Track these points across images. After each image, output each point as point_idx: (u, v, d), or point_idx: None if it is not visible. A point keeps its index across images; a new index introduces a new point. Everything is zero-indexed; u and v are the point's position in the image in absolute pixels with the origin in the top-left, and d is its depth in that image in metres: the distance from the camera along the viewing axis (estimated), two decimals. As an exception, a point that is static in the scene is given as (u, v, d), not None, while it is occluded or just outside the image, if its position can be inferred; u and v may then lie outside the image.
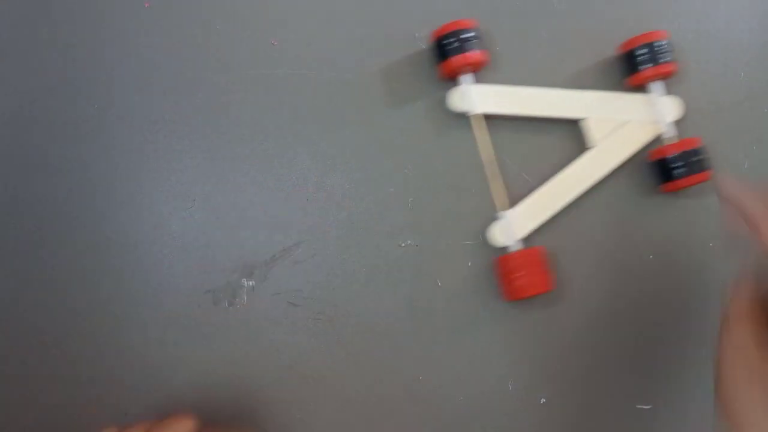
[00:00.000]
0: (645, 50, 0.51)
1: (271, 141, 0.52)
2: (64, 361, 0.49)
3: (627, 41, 0.52)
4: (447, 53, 0.49)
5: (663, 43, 0.51)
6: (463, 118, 0.52)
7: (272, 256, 0.50)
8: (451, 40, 0.49)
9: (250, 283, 0.50)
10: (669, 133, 0.51)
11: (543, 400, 0.50)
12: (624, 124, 0.51)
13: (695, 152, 0.50)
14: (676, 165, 0.50)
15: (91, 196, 0.51)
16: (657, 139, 0.52)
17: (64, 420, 0.48)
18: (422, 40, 0.53)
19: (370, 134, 0.52)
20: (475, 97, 0.50)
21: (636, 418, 0.51)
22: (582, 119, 0.51)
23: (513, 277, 0.48)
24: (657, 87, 0.52)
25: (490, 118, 0.52)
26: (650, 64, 0.51)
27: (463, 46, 0.49)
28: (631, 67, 0.52)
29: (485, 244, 0.51)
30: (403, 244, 0.51)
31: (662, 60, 0.51)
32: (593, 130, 0.51)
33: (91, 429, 0.48)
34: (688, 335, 0.52)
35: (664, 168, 0.51)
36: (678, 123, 0.53)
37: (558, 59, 0.54)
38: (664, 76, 0.52)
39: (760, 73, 0.56)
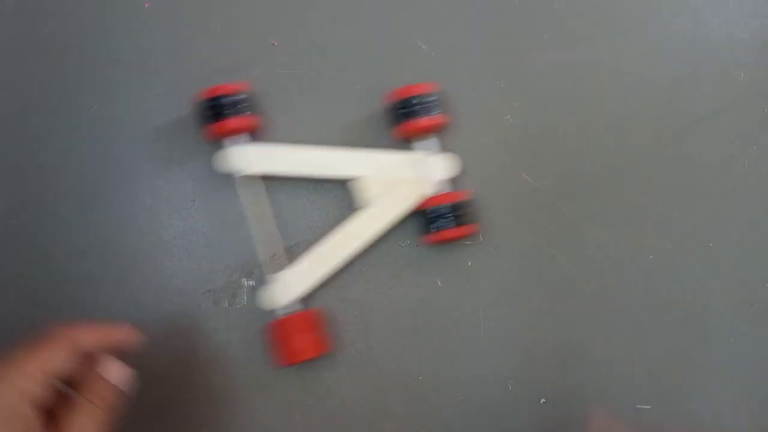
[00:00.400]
0: (412, 102, 0.49)
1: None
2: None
3: (392, 93, 0.50)
4: (214, 116, 0.47)
5: (431, 96, 0.49)
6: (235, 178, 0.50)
7: (272, 256, 0.50)
8: (220, 102, 0.47)
9: (250, 283, 0.50)
10: (440, 189, 0.50)
11: (543, 400, 0.50)
12: (397, 181, 0.50)
13: (461, 205, 0.48)
14: (438, 217, 0.48)
15: (90, 196, 0.51)
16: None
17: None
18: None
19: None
20: (242, 158, 0.48)
21: (636, 418, 0.51)
22: (355, 178, 0.50)
23: (287, 342, 0.47)
24: (428, 142, 0.50)
25: (268, 179, 0.50)
26: (416, 117, 0.49)
27: (230, 108, 0.47)
28: (398, 120, 0.50)
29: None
30: (402, 244, 0.51)
31: (430, 113, 0.49)
32: (366, 189, 0.49)
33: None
34: (688, 336, 0.52)
35: (427, 220, 0.49)
36: (456, 177, 0.51)
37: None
38: (433, 130, 0.50)
39: (760, 73, 0.56)
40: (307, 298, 0.49)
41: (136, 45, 0.52)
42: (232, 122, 0.47)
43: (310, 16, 0.54)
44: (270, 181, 0.50)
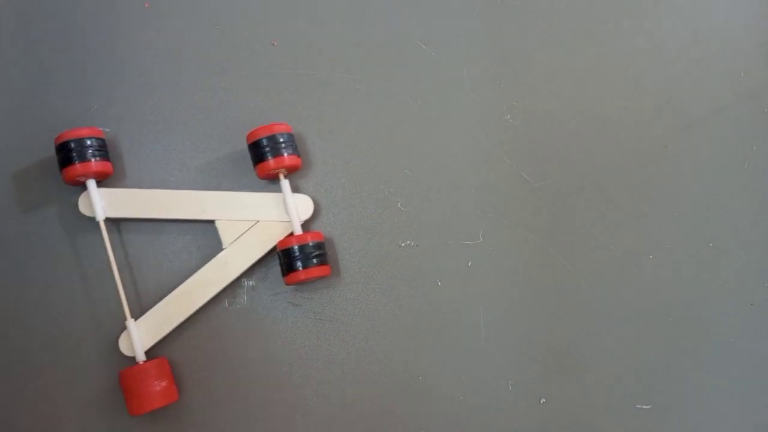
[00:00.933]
0: (266, 142, 0.48)
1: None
2: (64, 360, 0.49)
3: (250, 133, 0.49)
4: (67, 160, 0.46)
5: (284, 135, 0.48)
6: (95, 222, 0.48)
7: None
8: (71, 147, 0.46)
9: (250, 283, 0.50)
10: (297, 230, 0.49)
11: (543, 400, 0.50)
12: (256, 223, 0.49)
13: (315, 246, 0.48)
14: (295, 257, 0.47)
15: None
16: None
17: (63, 418, 0.48)
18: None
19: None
20: (98, 203, 0.47)
21: (636, 418, 0.51)
22: (214, 221, 0.49)
23: (135, 392, 0.45)
24: (285, 183, 0.49)
25: (127, 221, 0.49)
26: (271, 155, 0.48)
27: (83, 153, 0.46)
28: (256, 158, 0.49)
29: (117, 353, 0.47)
30: (403, 244, 0.51)
31: (284, 152, 0.48)
32: (224, 231, 0.49)
33: (91, 428, 0.48)
34: (688, 336, 0.52)
35: (285, 259, 0.48)
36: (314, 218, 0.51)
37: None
38: (289, 168, 0.49)
39: (760, 73, 0.56)
40: (159, 345, 0.48)
41: (137, 45, 0.52)
42: (79, 167, 0.46)
43: (313, 17, 0.54)
44: (131, 223, 0.49)
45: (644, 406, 0.51)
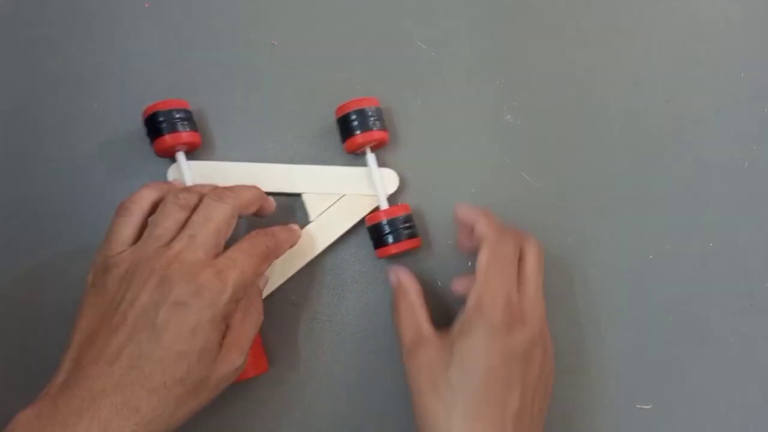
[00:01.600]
0: (355, 116, 0.48)
1: (271, 141, 0.52)
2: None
3: (339, 107, 0.49)
4: (158, 131, 0.47)
5: (372, 109, 0.48)
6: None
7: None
8: (161, 119, 0.46)
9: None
10: (384, 204, 0.49)
11: (543, 400, 0.50)
12: (342, 197, 0.50)
13: (404, 219, 0.48)
14: (385, 232, 0.48)
15: (90, 196, 0.51)
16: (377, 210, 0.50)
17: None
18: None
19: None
20: (188, 174, 0.48)
21: (636, 418, 0.51)
22: (301, 194, 0.50)
23: None
24: (371, 158, 0.50)
25: None
26: (359, 131, 0.48)
27: (173, 124, 0.47)
28: (344, 134, 0.49)
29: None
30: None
31: (372, 127, 0.48)
32: (311, 205, 0.49)
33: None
34: (688, 335, 0.52)
35: (375, 235, 0.49)
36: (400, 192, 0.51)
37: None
38: (376, 145, 0.50)
39: (760, 73, 0.56)
40: None
41: (136, 45, 0.52)
42: (168, 138, 0.47)
43: (313, 17, 0.54)
44: None
45: (644, 406, 0.51)
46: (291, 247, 0.46)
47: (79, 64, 0.52)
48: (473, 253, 0.45)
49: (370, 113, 0.49)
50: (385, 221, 0.48)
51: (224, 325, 0.39)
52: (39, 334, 0.49)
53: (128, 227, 0.42)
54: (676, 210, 0.54)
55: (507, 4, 0.56)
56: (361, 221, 0.50)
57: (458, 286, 0.47)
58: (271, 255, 0.43)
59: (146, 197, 0.43)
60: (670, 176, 0.54)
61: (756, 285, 0.53)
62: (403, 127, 0.53)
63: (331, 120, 0.51)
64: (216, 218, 0.41)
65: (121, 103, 0.51)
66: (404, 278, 0.48)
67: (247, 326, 0.41)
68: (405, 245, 0.48)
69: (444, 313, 0.51)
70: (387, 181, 0.51)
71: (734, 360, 0.52)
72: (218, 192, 0.43)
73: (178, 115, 0.47)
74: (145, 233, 0.41)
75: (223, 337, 0.39)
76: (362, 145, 0.49)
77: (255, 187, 0.45)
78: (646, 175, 0.54)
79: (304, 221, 0.50)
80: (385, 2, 0.55)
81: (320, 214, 0.49)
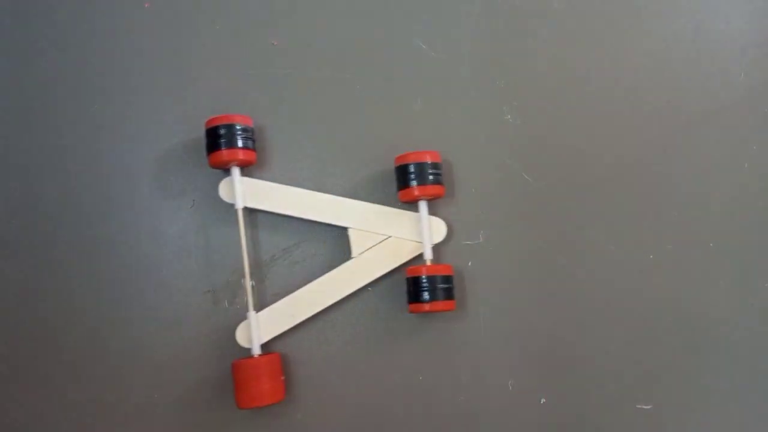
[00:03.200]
0: (413, 168, 0.49)
1: (271, 141, 0.52)
2: (64, 361, 0.49)
3: (399, 156, 0.50)
4: (215, 145, 0.47)
5: (431, 164, 0.49)
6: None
7: (272, 256, 0.50)
8: (221, 132, 0.47)
9: (251, 283, 0.50)
10: (428, 254, 0.50)
11: (543, 400, 0.50)
12: (387, 238, 0.50)
13: (444, 279, 0.48)
14: (423, 288, 0.48)
15: (91, 196, 0.51)
16: (419, 257, 0.50)
17: (63, 419, 0.48)
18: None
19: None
20: (239, 191, 0.48)
21: (636, 418, 0.51)
22: (347, 228, 0.50)
23: (246, 386, 0.46)
24: (423, 206, 0.50)
25: (267, 213, 0.50)
26: (416, 182, 0.49)
27: (232, 139, 0.47)
28: (400, 183, 0.50)
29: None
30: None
31: (428, 181, 0.49)
32: (355, 241, 0.49)
33: (92, 428, 0.48)
34: (688, 336, 0.52)
35: (413, 288, 0.48)
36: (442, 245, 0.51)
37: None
38: (430, 197, 0.50)
39: (760, 73, 0.56)
40: (274, 341, 0.49)
41: (137, 45, 0.52)
42: (225, 153, 0.47)
43: (314, 18, 0.54)
44: (264, 216, 0.50)
45: (644, 406, 0.51)
46: None
47: (80, 63, 0.52)
48: None
49: (428, 167, 0.49)
50: (420, 277, 0.48)
51: None
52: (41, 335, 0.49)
53: None
54: (676, 210, 0.53)
55: (507, 4, 0.56)
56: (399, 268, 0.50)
57: None
58: None
59: None
60: (671, 176, 0.54)
61: (756, 285, 0.53)
62: (404, 127, 0.53)
63: (389, 160, 0.51)
64: None
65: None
66: None
67: None
68: (439, 306, 0.48)
69: (444, 312, 0.51)
70: (435, 229, 0.51)
71: (734, 360, 0.52)
72: None
73: (239, 131, 0.47)
74: None
75: None
76: (417, 198, 0.50)
77: None
78: (647, 175, 0.54)
79: (344, 256, 0.50)
80: (386, 3, 0.55)
81: (362, 252, 0.50)
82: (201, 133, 0.49)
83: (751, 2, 0.57)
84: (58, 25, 0.52)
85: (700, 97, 0.55)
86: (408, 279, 0.49)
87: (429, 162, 0.49)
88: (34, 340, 0.49)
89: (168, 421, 0.48)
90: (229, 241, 0.50)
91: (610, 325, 0.52)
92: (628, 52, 0.56)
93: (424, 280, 0.48)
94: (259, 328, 0.48)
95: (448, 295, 0.48)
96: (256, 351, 0.47)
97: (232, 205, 0.49)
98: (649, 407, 0.51)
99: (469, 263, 0.52)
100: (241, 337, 0.48)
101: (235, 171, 0.49)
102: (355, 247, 0.49)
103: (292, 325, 0.49)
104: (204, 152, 0.48)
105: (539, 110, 0.54)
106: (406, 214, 0.51)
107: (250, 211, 0.50)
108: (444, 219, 0.51)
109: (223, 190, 0.49)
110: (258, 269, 0.50)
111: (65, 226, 0.50)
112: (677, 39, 0.56)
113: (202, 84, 0.52)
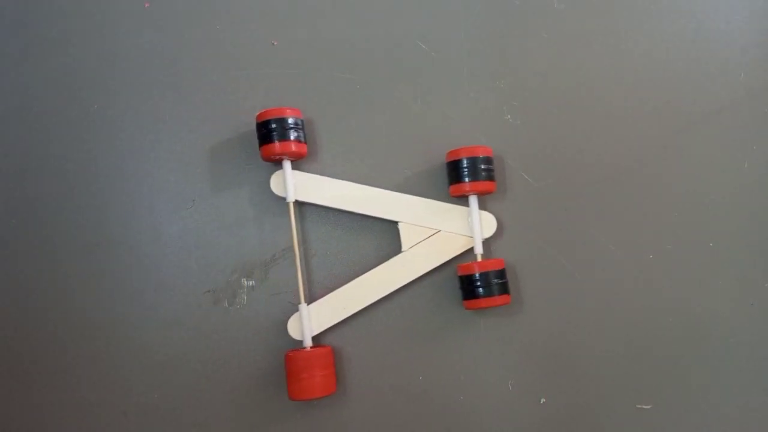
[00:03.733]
0: (466, 164, 0.49)
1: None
2: (64, 361, 0.49)
3: (451, 152, 0.50)
4: (267, 137, 0.47)
5: (483, 159, 0.49)
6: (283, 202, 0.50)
7: (272, 256, 0.50)
8: (273, 126, 0.47)
9: (250, 283, 0.50)
10: (479, 248, 0.50)
11: (543, 400, 0.50)
12: (437, 232, 0.50)
13: (498, 274, 0.48)
14: (478, 284, 0.48)
15: (91, 196, 0.51)
16: (469, 252, 0.50)
17: (63, 418, 0.48)
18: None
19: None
20: (290, 184, 0.49)
21: (636, 418, 0.51)
22: (397, 222, 0.50)
23: (299, 378, 0.46)
24: (473, 201, 0.50)
25: (316, 207, 0.50)
26: (469, 178, 0.49)
27: (284, 132, 0.47)
28: (452, 178, 0.50)
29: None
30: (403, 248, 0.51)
31: (481, 176, 0.49)
32: (406, 235, 0.50)
33: (91, 428, 0.48)
34: (688, 336, 0.52)
35: (467, 285, 0.49)
36: (492, 240, 0.51)
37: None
38: (482, 192, 0.50)
39: (760, 73, 0.56)
40: (325, 333, 0.49)
41: (137, 45, 0.52)
42: (278, 146, 0.47)
43: (314, 18, 0.54)
44: (314, 209, 0.51)
45: (644, 406, 0.51)
46: None
47: (80, 62, 0.52)
48: None
49: (480, 162, 0.49)
50: (474, 274, 0.48)
51: None
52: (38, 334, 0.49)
53: None
54: (676, 210, 0.53)
55: (507, 4, 0.56)
56: (449, 263, 0.50)
57: None
58: None
59: None
60: (670, 176, 0.54)
61: (756, 285, 0.53)
62: (403, 127, 0.53)
63: (440, 155, 0.51)
64: None
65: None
66: None
67: None
68: (496, 301, 0.48)
69: (445, 312, 0.51)
70: (485, 225, 0.51)
71: (734, 360, 0.52)
72: None
73: (290, 124, 0.47)
74: None
75: None
76: (468, 193, 0.50)
77: None
78: (647, 175, 0.54)
79: (395, 249, 0.50)
80: (386, 3, 0.55)
81: (413, 246, 0.50)
82: (206, 131, 0.49)
83: (751, 2, 0.57)
84: (59, 26, 0.52)
85: (700, 97, 0.55)
86: (461, 277, 0.49)
87: (481, 157, 0.49)
88: (34, 340, 0.49)
89: (168, 421, 0.49)
90: (229, 241, 0.50)
91: (610, 325, 0.52)
92: (628, 52, 0.56)
93: (477, 277, 0.48)
94: (310, 320, 0.48)
95: (503, 289, 0.49)
96: (308, 343, 0.48)
97: (238, 202, 0.49)
98: (649, 407, 0.51)
99: (469, 263, 0.52)
100: (292, 329, 0.48)
101: (287, 164, 0.49)
102: (405, 241, 0.50)
103: (342, 318, 0.49)
104: (204, 152, 0.48)
105: (539, 110, 0.54)
106: (456, 209, 0.51)
107: (299, 204, 0.51)
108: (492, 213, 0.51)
109: (275, 183, 0.49)
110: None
111: (65, 226, 0.50)
112: (677, 39, 0.56)
113: (202, 84, 0.52)
